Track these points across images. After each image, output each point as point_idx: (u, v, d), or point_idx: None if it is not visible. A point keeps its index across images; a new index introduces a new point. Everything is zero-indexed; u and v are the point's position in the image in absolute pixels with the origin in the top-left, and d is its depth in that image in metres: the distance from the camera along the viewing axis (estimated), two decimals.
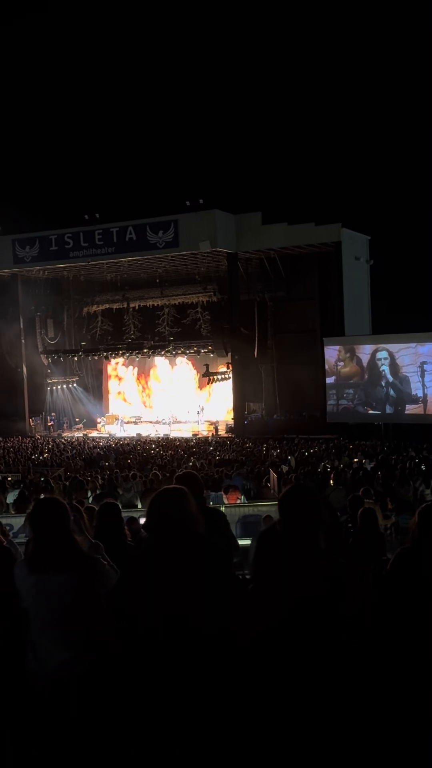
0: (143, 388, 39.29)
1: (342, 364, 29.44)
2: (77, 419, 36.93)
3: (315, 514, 2.83)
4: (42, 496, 11.16)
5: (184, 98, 46.12)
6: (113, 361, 38.46)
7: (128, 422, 35.74)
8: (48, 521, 3.22)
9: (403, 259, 32.97)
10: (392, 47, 39.43)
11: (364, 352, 29.04)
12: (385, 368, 28.42)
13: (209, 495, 11.64)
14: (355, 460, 18.19)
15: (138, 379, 39.45)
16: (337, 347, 29.54)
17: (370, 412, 28.80)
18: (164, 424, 34.95)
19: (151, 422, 36.19)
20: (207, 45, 44.71)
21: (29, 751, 3.04)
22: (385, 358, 28.52)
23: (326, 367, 29.51)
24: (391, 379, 28.27)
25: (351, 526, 6.76)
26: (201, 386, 36.80)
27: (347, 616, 2.88)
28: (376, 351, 28.77)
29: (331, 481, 12.75)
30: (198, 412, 35.61)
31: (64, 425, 36.40)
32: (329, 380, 29.50)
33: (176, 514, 2.79)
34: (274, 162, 37.32)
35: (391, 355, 28.41)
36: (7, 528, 8.27)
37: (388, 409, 28.43)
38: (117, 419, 35.92)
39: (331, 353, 29.59)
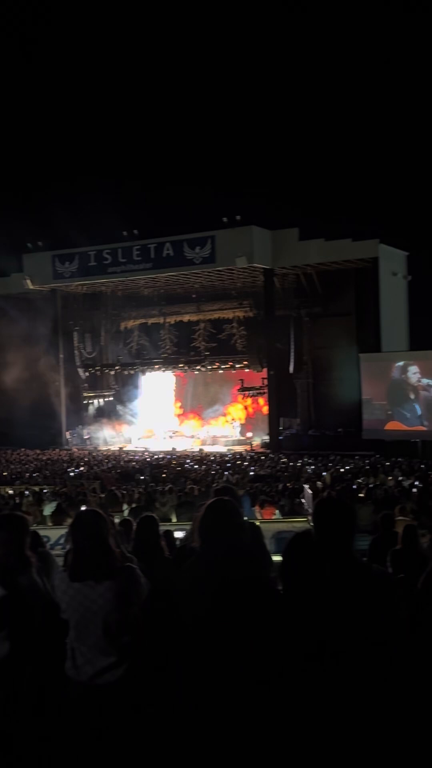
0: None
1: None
2: (113, 433, 37.23)
3: (352, 525, 2.82)
4: (83, 507, 11.31)
5: (221, 116, 46.59)
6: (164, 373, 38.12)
7: (173, 437, 35.90)
8: (89, 532, 3.33)
9: None
10: (422, 56, 39.31)
11: (395, 367, 28.82)
12: (423, 381, 28.17)
13: (243, 509, 11.64)
14: (390, 478, 17.99)
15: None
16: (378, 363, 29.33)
17: (404, 428, 28.49)
18: (197, 437, 35.08)
19: (186, 436, 36.32)
20: (245, 61, 45.16)
21: (64, 755, 3.12)
22: (415, 373, 28.27)
23: (362, 382, 29.30)
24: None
25: (378, 544, 6.72)
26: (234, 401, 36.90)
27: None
28: (407, 366, 28.54)
29: (360, 496, 12.66)
30: (233, 426, 35.64)
31: (100, 439, 36.71)
32: (365, 396, 29.27)
33: (227, 524, 2.86)
34: (311, 178, 37.43)
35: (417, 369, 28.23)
36: (44, 539, 8.42)
37: (424, 424, 28.10)
38: (154, 434, 36.19)
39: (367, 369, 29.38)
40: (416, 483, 15.53)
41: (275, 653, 2.61)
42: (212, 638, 2.69)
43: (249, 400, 35.46)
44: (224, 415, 37.52)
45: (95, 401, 37.69)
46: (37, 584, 3.50)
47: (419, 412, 28.17)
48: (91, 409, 37.62)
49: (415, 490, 14.15)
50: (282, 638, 2.62)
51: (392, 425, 28.80)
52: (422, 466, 22.41)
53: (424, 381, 28.08)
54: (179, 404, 39.84)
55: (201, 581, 2.80)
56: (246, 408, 36.69)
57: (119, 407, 38.57)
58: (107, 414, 38.08)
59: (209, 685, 2.65)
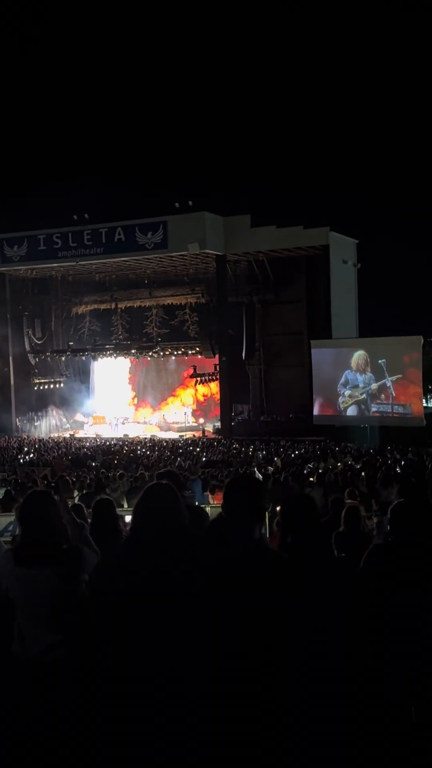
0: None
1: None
2: (64, 419, 36.86)
3: (249, 502, 2.88)
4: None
5: (176, 102, 46.25)
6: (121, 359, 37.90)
7: (125, 424, 35.75)
8: (35, 514, 3.32)
9: (390, 262, 33.29)
10: (382, 57, 39.76)
11: (346, 354, 29.20)
12: (373, 370, 28.58)
13: (194, 494, 11.72)
14: (339, 464, 18.32)
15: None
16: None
17: (354, 414, 28.94)
18: (150, 424, 35.07)
19: (139, 423, 36.30)
20: (200, 50, 44.86)
21: (13, 731, 3.15)
22: (365, 360, 28.68)
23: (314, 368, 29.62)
24: (384, 381, 28.35)
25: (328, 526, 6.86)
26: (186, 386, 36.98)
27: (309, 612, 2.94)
28: (358, 354, 28.93)
29: (311, 480, 12.86)
30: (185, 413, 35.71)
31: (51, 425, 36.29)
32: (316, 383, 29.60)
33: (162, 507, 2.88)
34: (264, 165, 37.53)
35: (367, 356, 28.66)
36: None
37: (375, 411, 28.60)
38: (105, 420, 36.00)
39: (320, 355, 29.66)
40: (362, 467, 15.86)
41: (194, 640, 2.65)
42: (132, 620, 2.72)
43: (201, 386, 35.54)
44: (174, 396, 37.54)
45: (45, 387, 37.17)
46: None
47: (370, 400, 28.67)
48: (42, 396, 37.10)
49: (363, 474, 14.43)
50: (196, 625, 2.66)
51: (343, 413, 29.24)
52: (371, 450, 22.90)
53: (375, 369, 28.55)
54: (134, 393, 39.66)
55: (125, 563, 2.83)
56: (195, 392, 36.76)
57: (70, 393, 38.16)
58: (58, 400, 37.64)
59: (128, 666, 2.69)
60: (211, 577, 2.72)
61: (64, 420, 36.81)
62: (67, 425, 36.35)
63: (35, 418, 35.89)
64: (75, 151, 40.93)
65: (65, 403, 37.65)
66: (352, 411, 29.08)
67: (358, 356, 28.91)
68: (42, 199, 32.00)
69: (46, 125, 45.46)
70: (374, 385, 28.48)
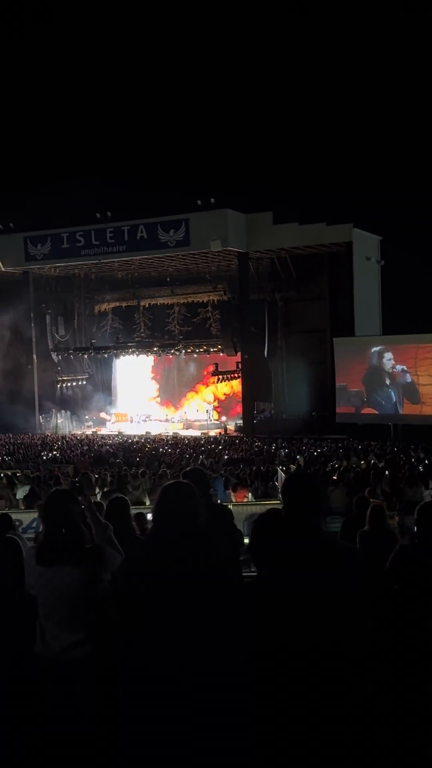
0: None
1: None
2: (87, 417, 37.06)
3: (317, 499, 2.80)
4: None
5: (196, 98, 46.21)
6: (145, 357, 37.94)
7: (147, 421, 35.86)
8: (57, 513, 3.32)
9: (414, 259, 32.88)
10: (403, 49, 39.38)
11: (370, 352, 28.92)
12: (398, 368, 28.27)
13: (216, 492, 11.71)
14: (362, 462, 18.17)
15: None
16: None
17: (377, 412, 28.69)
18: (174, 422, 35.12)
19: (161, 420, 36.37)
20: (219, 44, 44.80)
21: (33, 730, 3.14)
22: (390, 359, 28.41)
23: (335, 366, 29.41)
24: (408, 379, 28.02)
25: (350, 525, 6.78)
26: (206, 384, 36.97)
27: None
28: (382, 352, 28.65)
29: (333, 478, 12.78)
30: (207, 411, 35.72)
31: (74, 422, 36.51)
32: (339, 382, 29.38)
33: (179, 508, 2.85)
34: (286, 162, 37.34)
35: (390, 353, 28.35)
36: (17, 523, 8.39)
37: (399, 409, 28.33)
38: (127, 418, 36.14)
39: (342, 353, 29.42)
40: (385, 465, 15.70)
41: (227, 641, 2.59)
42: (149, 624, 2.69)
43: (222, 384, 35.52)
44: (194, 391, 37.57)
45: (69, 384, 37.40)
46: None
47: (394, 398, 28.39)
48: (65, 393, 37.33)
49: (387, 472, 14.30)
50: (241, 625, 2.60)
51: (367, 411, 29.00)
52: (395, 449, 22.67)
53: (399, 367, 28.29)
54: (157, 391, 39.73)
55: (146, 564, 2.80)
56: (216, 390, 36.76)
57: (92, 391, 38.36)
58: (81, 398, 37.84)
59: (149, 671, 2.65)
60: (282, 572, 2.63)
61: (87, 417, 36.91)
62: (89, 423, 36.51)
63: (58, 415, 36.04)
64: (96, 149, 41.12)
65: (88, 400, 37.84)
66: (375, 411, 28.85)
67: (382, 354, 28.65)
68: (62, 198, 32.09)
69: (60, 123, 45.61)
70: (398, 383, 28.21)
